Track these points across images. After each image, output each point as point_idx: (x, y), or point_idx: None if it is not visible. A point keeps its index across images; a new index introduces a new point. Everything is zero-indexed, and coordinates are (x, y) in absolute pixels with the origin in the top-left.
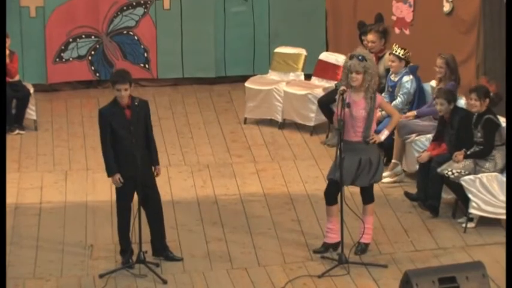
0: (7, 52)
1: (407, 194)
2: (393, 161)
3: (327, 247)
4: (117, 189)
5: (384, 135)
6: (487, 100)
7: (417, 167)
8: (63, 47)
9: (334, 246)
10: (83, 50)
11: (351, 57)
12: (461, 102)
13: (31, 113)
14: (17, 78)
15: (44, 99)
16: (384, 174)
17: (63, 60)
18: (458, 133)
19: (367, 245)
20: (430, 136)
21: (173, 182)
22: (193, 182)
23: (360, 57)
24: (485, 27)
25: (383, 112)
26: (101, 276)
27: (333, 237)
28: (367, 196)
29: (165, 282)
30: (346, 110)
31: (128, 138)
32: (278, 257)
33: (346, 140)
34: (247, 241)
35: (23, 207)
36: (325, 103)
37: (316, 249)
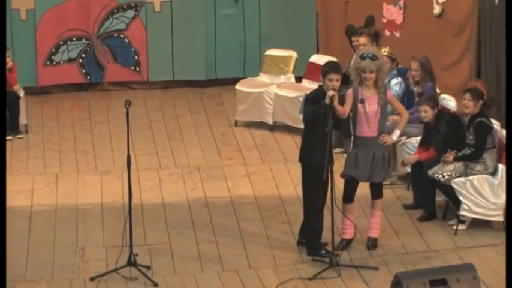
0: (10, 64)
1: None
2: None
3: (348, 242)
4: (311, 183)
5: (396, 135)
6: (480, 102)
7: (408, 169)
8: (53, 50)
9: (351, 241)
10: (74, 53)
11: (362, 57)
12: (452, 104)
13: (22, 116)
14: (16, 87)
15: (35, 102)
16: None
17: (54, 63)
18: (445, 137)
19: (375, 239)
20: (419, 138)
21: (164, 185)
22: (184, 184)
23: (371, 57)
24: (477, 29)
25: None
26: (92, 279)
27: (351, 233)
28: (377, 191)
29: (156, 284)
30: (360, 105)
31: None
32: (269, 259)
33: (359, 135)
34: (238, 243)
35: (14, 210)
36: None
37: (338, 246)
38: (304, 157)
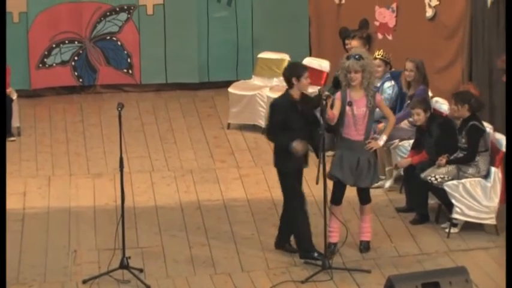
0: None
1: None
2: (387, 168)
3: (334, 246)
4: (289, 187)
5: (382, 141)
6: (466, 106)
7: (401, 172)
8: (46, 53)
9: (336, 245)
10: (66, 56)
11: (347, 58)
12: (444, 107)
13: (14, 118)
14: (8, 91)
15: (27, 104)
16: (388, 183)
17: (47, 65)
18: (438, 140)
19: (368, 242)
20: (412, 141)
21: (156, 187)
22: (177, 187)
23: (356, 57)
24: (470, 32)
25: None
26: (84, 281)
27: (336, 236)
28: (365, 197)
29: (148, 287)
30: (348, 108)
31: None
32: (261, 262)
33: (346, 137)
34: (231, 246)
35: (7, 213)
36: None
37: (331, 250)
38: (280, 163)
